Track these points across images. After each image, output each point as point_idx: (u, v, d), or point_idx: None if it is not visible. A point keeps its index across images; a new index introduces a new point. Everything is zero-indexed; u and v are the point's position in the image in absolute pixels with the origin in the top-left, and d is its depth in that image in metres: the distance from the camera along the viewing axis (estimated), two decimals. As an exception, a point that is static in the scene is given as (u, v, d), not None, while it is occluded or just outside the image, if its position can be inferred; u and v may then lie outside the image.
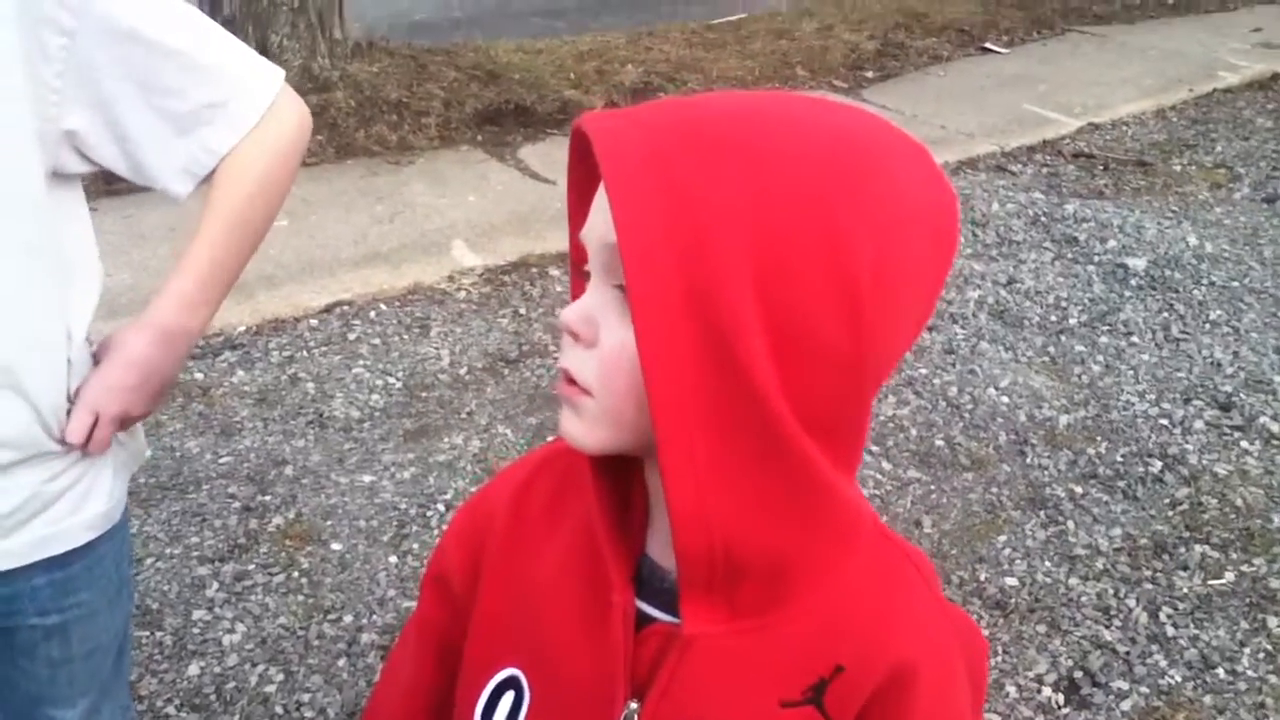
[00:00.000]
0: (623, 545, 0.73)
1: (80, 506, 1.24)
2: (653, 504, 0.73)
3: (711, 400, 0.59)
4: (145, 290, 3.52)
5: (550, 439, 0.88)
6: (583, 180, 0.70)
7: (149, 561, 2.53)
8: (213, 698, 2.20)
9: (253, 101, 1.23)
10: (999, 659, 2.32)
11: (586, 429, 0.67)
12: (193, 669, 2.26)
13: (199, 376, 3.25)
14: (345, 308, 3.66)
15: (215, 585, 2.47)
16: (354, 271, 3.86)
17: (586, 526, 0.73)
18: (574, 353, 0.67)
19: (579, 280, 0.70)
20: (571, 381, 0.67)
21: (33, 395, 1.14)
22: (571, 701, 0.74)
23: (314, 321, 3.57)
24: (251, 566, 2.53)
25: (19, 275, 1.12)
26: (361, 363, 3.36)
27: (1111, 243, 4.22)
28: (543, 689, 0.76)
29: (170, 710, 2.17)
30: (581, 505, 0.74)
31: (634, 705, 0.71)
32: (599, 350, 0.66)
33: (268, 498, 2.75)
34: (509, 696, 0.76)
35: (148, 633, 2.33)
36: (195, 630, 2.35)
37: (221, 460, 2.89)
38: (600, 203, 0.65)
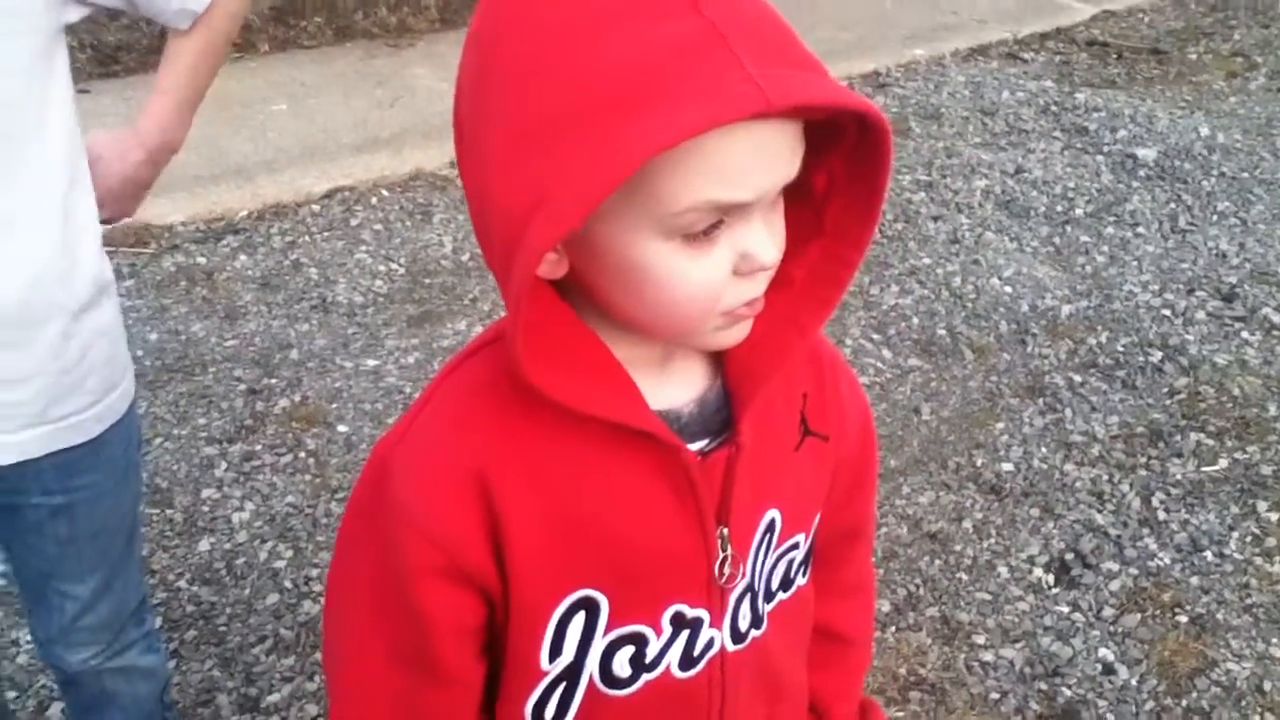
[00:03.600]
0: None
1: (90, 399, 1.27)
2: (637, 368, 0.74)
3: None
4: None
5: (442, 368, 0.80)
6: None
7: (157, 442, 2.57)
8: (223, 572, 2.25)
9: None
10: (991, 541, 2.37)
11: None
12: (203, 545, 2.31)
13: (201, 261, 3.25)
14: (346, 193, 3.63)
15: (224, 465, 2.51)
16: (355, 157, 3.83)
17: (583, 428, 0.72)
18: (763, 275, 0.70)
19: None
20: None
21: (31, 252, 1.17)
22: (664, 574, 0.78)
23: (315, 207, 3.56)
24: (259, 447, 2.56)
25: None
26: (364, 248, 3.36)
27: (1122, 133, 4.16)
28: (627, 587, 0.77)
29: (182, 584, 2.23)
30: (546, 413, 0.71)
31: (725, 531, 0.78)
32: (779, 254, 0.70)
33: (273, 380, 2.78)
34: (579, 618, 0.77)
35: (158, 510, 2.38)
36: (205, 508, 2.40)
37: (227, 343, 2.91)
38: (771, 154, 0.65)
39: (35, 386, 1.20)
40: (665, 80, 0.59)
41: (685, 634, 0.80)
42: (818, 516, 0.88)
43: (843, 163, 0.71)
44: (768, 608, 0.85)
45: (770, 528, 0.82)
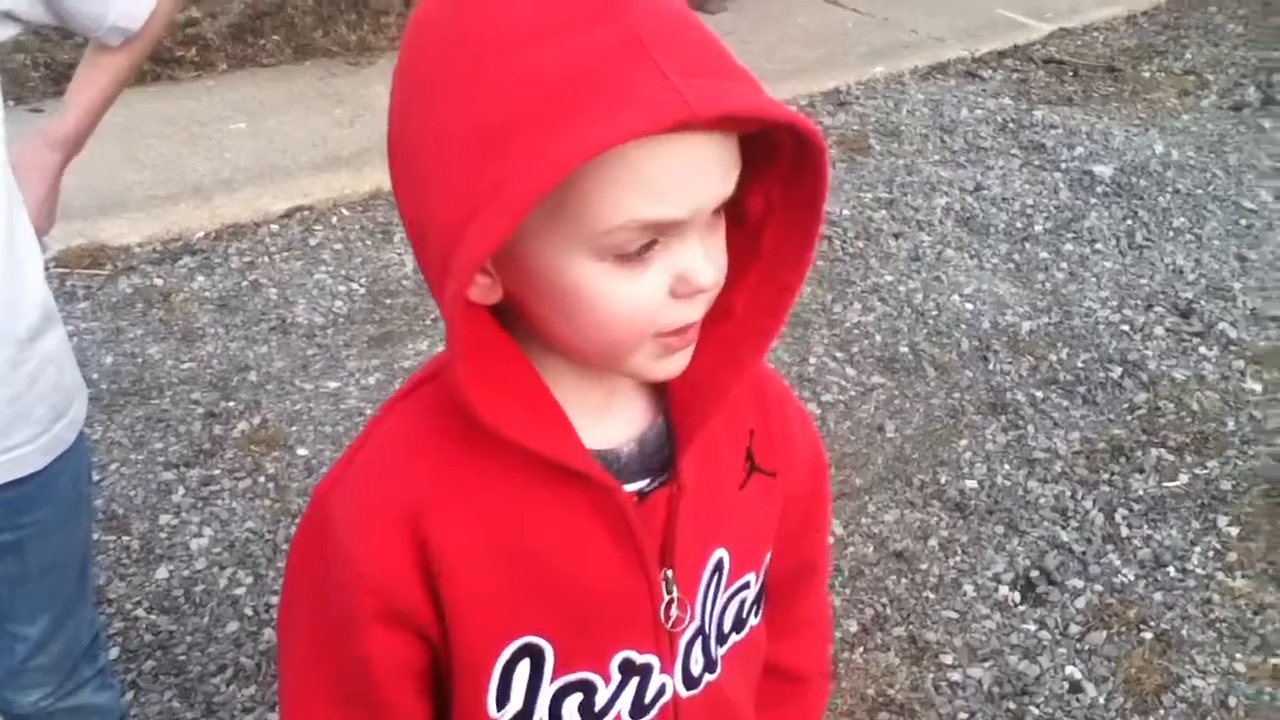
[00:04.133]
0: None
1: (38, 429, 1.23)
2: (576, 404, 0.72)
3: None
4: (100, 192, 3.45)
5: (380, 407, 0.78)
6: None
7: (113, 467, 2.51)
8: (182, 600, 2.21)
9: None
10: (958, 559, 2.38)
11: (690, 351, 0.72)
12: (161, 572, 2.26)
13: (159, 282, 3.20)
14: (306, 212, 3.59)
15: (181, 490, 2.46)
16: (314, 175, 3.78)
17: (522, 469, 0.71)
18: (700, 298, 0.68)
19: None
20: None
21: None
22: (608, 618, 0.76)
23: (274, 226, 3.51)
24: (217, 472, 2.52)
25: None
26: (324, 268, 3.32)
27: (1079, 150, 4.21)
28: (571, 633, 0.75)
29: (140, 613, 2.18)
30: (486, 448, 0.69)
31: (669, 573, 0.76)
32: (719, 276, 0.68)
33: (231, 404, 2.74)
34: (524, 665, 0.75)
35: (114, 537, 2.33)
36: (162, 535, 2.35)
37: (184, 366, 2.86)
38: (705, 168, 0.63)
39: None
40: (584, 91, 0.57)
41: (635, 681, 0.78)
42: (768, 555, 0.86)
43: (779, 184, 0.69)
44: (721, 651, 0.83)
45: (719, 568, 0.80)
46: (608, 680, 0.77)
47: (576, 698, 0.77)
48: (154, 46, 1.39)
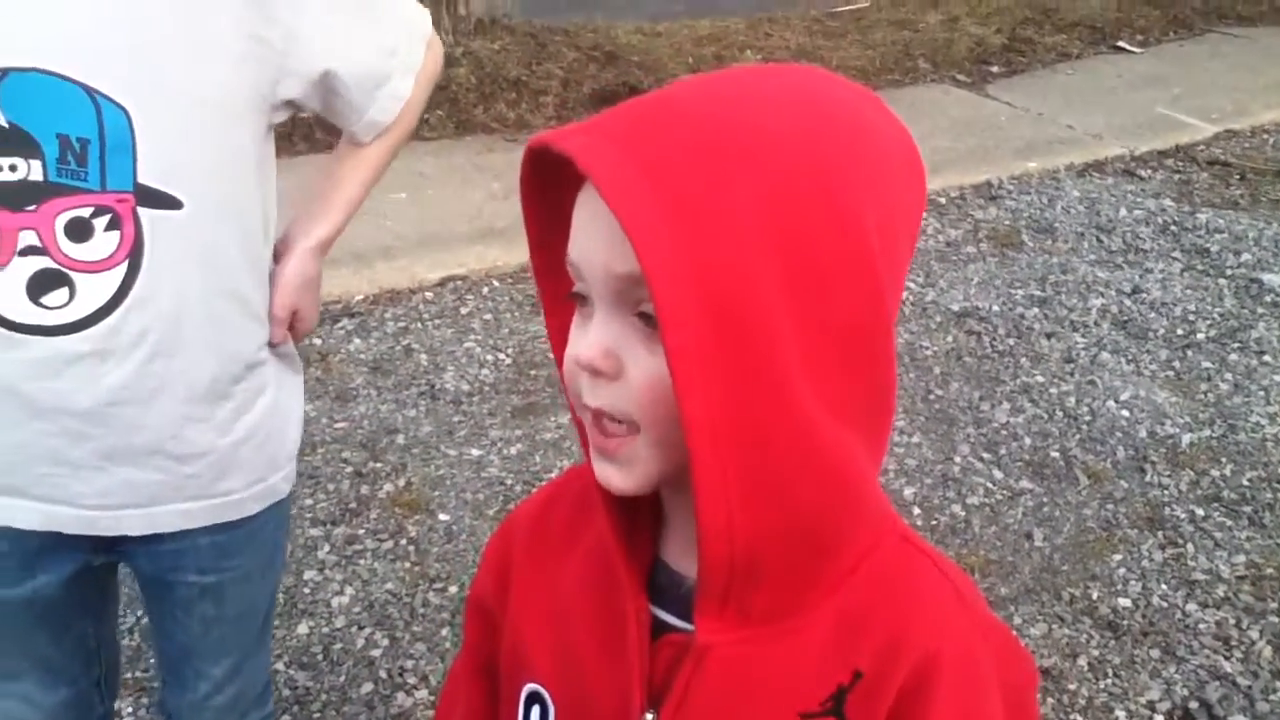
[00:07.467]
0: (633, 551, 0.71)
1: (252, 477, 1.29)
2: (669, 510, 0.71)
3: (748, 416, 0.58)
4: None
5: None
6: (537, 201, 0.68)
7: (264, 520, 2.60)
8: (320, 657, 2.25)
9: (418, 40, 1.30)
10: (1109, 681, 2.26)
11: (638, 471, 0.65)
12: (302, 628, 2.32)
13: (317, 343, 3.33)
14: (459, 282, 3.70)
15: (326, 547, 2.53)
16: (469, 247, 3.91)
17: (601, 539, 0.72)
18: (603, 390, 0.64)
19: (554, 301, 0.70)
20: (611, 419, 0.64)
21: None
22: (593, 713, 0.73)
23: (429, 294, 3.63)
24: (361, 531, 2.58)
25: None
26: (473, 337, 3.41)
27: (1246, 256, 4.04)
28: (566, 702, 0.75)
29: (280, 666, 2.23)
30: (597, 521, 0.72)
31: (650, 717, 0.69)
32: (630, 382, 0.63)
33: (379, 465, 2.81)
34: (536, 711, 0.76)
35: (261, 589, 2.40)
36: (306, 590, 2.41)
37: (337, 425, 2.96)
38: (595, 228, 0.61)
39: (207, 461, 1.24)
40: None
41: None
42: None
43: None
44: None
45: None
46: None
47: None
48: (407, 140, 1.35)
